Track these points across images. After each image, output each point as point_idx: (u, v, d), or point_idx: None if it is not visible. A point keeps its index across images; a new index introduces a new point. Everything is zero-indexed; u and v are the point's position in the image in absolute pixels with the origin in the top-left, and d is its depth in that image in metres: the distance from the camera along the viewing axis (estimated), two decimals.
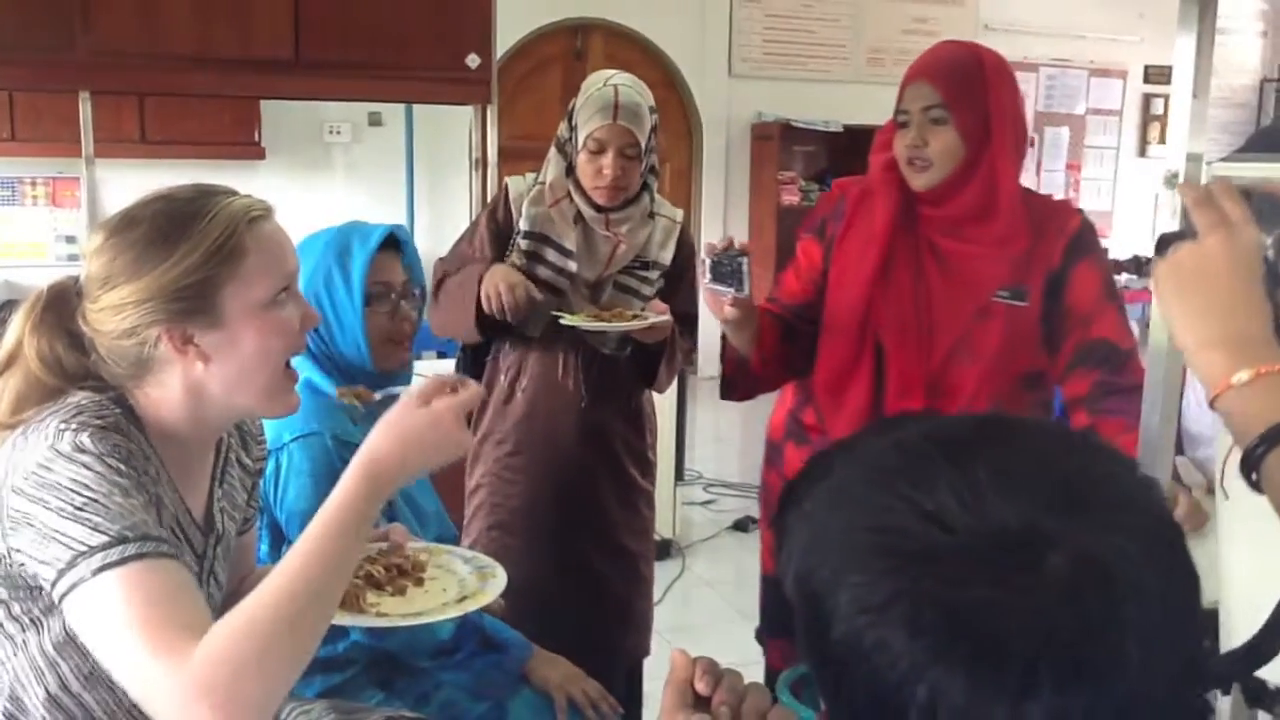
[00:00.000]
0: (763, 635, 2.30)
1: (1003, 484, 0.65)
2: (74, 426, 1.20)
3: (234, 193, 1.33)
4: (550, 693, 1.87)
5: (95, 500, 1.14)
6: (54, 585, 1.13)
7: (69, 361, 1.29)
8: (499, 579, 1.52)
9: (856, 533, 0.67)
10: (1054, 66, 8.53)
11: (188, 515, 1.36)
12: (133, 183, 5.78)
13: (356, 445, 1.71)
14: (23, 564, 1.17)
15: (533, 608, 2.23)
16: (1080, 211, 2.02)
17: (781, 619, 0.71)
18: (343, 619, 1.35)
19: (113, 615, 1.10)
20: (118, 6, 3.48)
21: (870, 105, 7.76)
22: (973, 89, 1.86)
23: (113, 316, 1.26)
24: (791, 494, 0.74)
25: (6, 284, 5.39)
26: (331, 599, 1.17)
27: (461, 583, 1.52)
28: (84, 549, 1.12)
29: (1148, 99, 8.91)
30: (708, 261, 1.96)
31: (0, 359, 1.31)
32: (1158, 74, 8.68)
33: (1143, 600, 0.62)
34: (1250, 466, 0.89)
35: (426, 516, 1.96)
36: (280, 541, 1.73)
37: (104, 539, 1.12)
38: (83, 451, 1.17)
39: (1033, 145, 8.12)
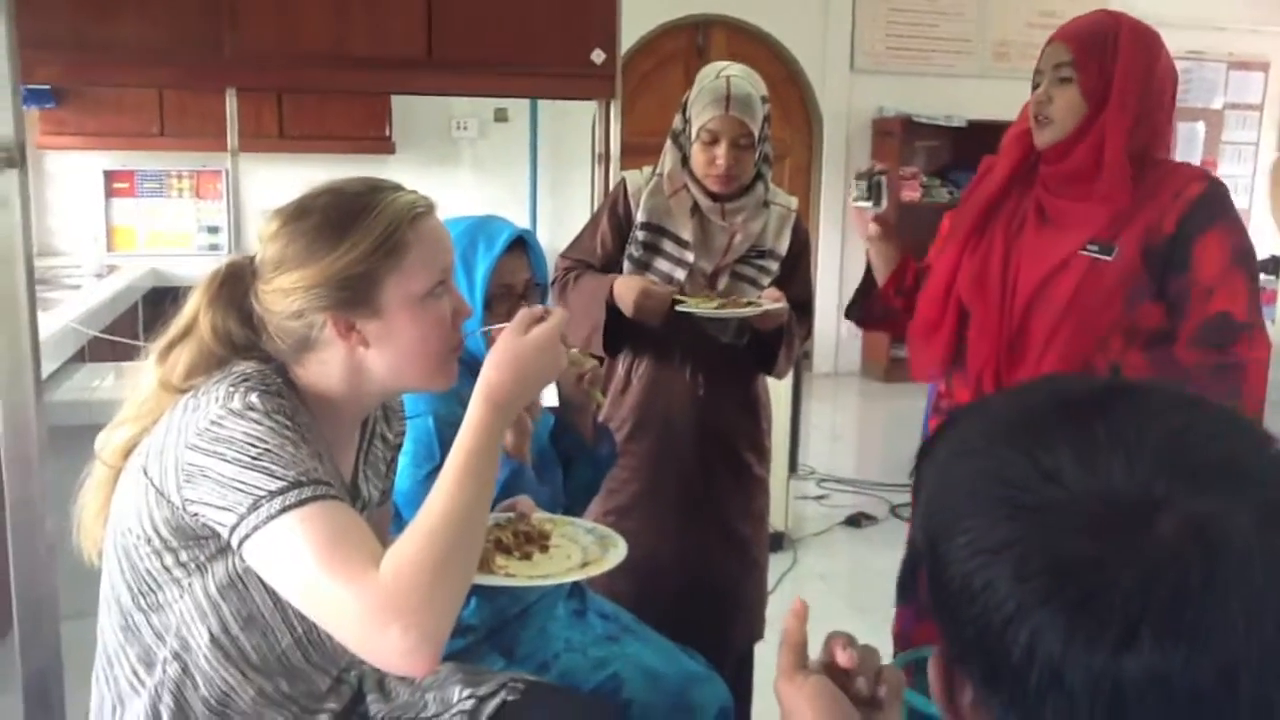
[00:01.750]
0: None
1: (1119, 446, 0.67)
2: (242, 389, 1.29)
3: (400, 188, 1.42)
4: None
5: (270, 450, 1.23)
6: (234, 530, 1.21)
7: (238, 336, 1.40)
8: (620, 548, 1.59)
9: (978, 481, 0.70)
10: (1189, 59, 8.24)
11: (340, 481, 1.45)
12: (271, 176, 6.04)
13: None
14: (197, 513, 1.26)
15: (646, 590, 2.30)
16: (1208, 176, 1.98)
17: (907, 585, 0.75)
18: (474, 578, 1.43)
19: (299, 552, 1.19)
20: (261, 9, 3.65)
21: (995, 100, 7.63)
22: (1102, 51, 1.91)
23: (283, 299, 1.36)
24: (926, 448, 0.77)
25: (154, 271, 5.66)
26: (483, 515, 1.27)
27: (584, 550, 1.59)
28: (264, 493, 1.21)
29: None
30: (852, 182, 2.20)
31: (177, 328, 1.41)
32: None
33: (1250, 568, 0.63)
34: None
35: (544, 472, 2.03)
36: (396, 515, 1.81)
37: (282, 484, 1.21)
38: (252, 409, 1.26)
39: None
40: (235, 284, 1.41)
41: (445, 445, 1.76)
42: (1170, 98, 1.98)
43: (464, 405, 1.86)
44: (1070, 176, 1.96)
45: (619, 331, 2.39)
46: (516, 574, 1.50)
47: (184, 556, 1.32)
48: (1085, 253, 1.91)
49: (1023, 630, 0.64)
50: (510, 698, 1.60)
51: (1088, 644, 0.63)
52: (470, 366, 1.91)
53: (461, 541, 1.22)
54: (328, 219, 1.36)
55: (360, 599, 1.15)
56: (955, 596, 0.68)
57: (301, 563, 1.19)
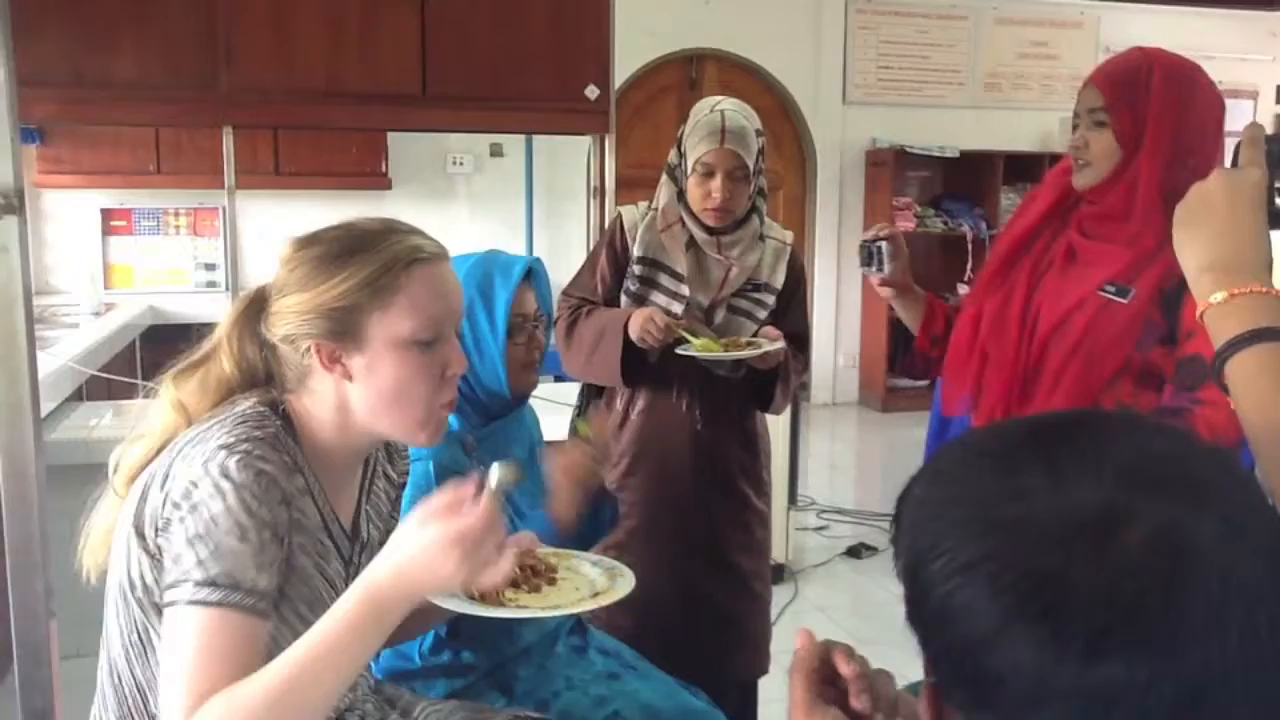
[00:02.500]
0: None
1: (1083, 464, 0.69)
2: (230, 447, 1.29)
3: (416, 233, 1.43)
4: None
5: (211, 535, 1.25)
6: (162, 590, 1.27)
7: (254, 360, 1.42)
8: (628, 578, 1.57)
9: (951, 505, 0.72)
10: None
11: (336, 523, 1.45)
12: (268, 212, 6.07)
13: (460, 474, 1.80)
14: (160, 556, 1.30)
15: (647, 625, 2.28)
16: None
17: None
18: (484, 612, 1.41)
19: (179, 643, 1.24)
20: (257, 46, 3.68)
21: (987, 130, 7.70)
22: (1134, 95, 1.90)
23: (280, 322, 1.38)
24: (907, 486, 0.78)
25: (151, 309, 5.68)
26: (324, 706, 1.23)
27: (592, 582, 1.58)
28: (184, 578, 1.24)
29: None
30: (858, 247, 2.20)
31: (200, 352, 1.44)
32: None
33: (1211, 577, 0.64)
34: (1217, 374, 1.01)
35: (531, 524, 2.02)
36: None
37: (201, 575, 1.24)
38: (226, 478, 1.26)
39: None
40: (255, 309, 1.43)
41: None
42: (1215, 131, 1.97)
43: (465, 451, 1.87)
44: (1103, 218, 1.97)
45: (636, 364, 2.39)
46: (529, 605, 1.48)
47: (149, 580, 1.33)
48: (1102, 294, 1.91)
49: (999, 646, 0.65)
50: None
51: (1059, 656, 0.64)
52: (485, 405, 1.92)
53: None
54: (330, 250, 1.39)
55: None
56: (936, 619, 0.70)
57: (176, 653, 1.24)
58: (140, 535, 1.32)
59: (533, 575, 1.53)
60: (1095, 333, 1.89)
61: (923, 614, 0.71)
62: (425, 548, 1.19)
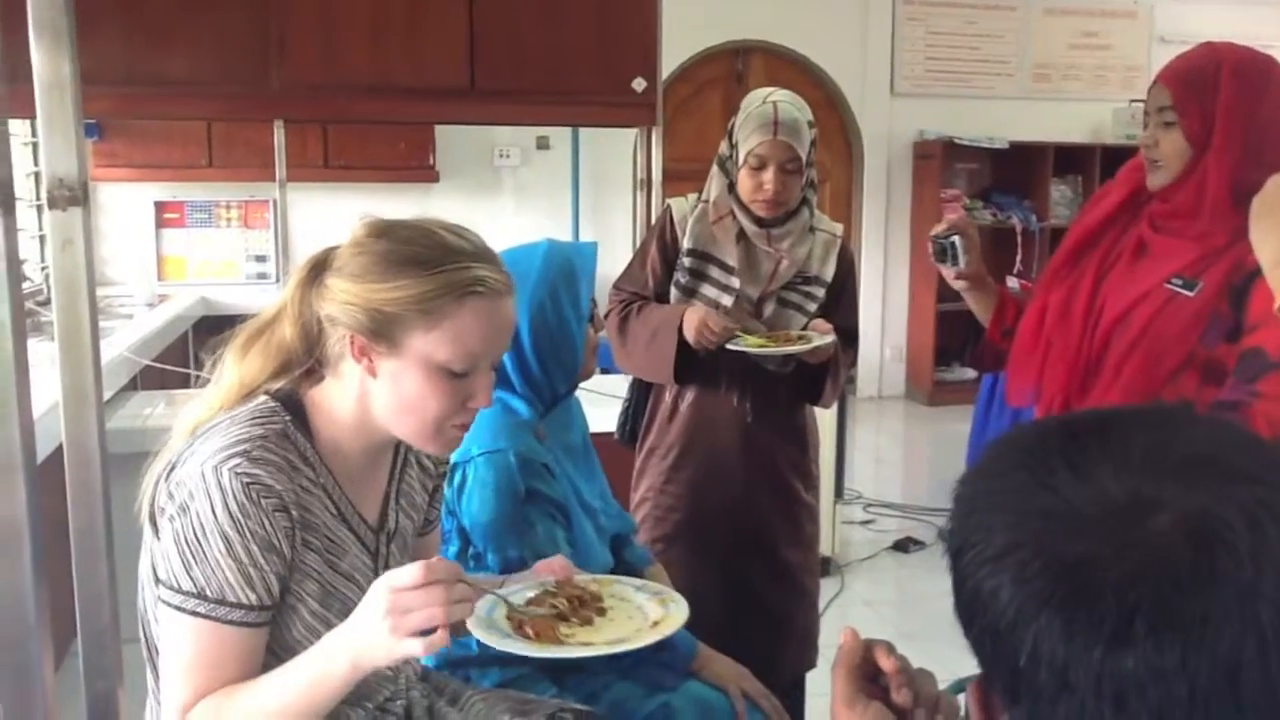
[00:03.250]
0: None
1: (1109, 455, 0.70)
2: (227, 451, 1.31)
3: (489, 263, 1.40)
4: (725, 688, 1.92)
5: (199, 543, 1.29)
6: (157, 584, 1.32)
7: (310, 326, 1.41)
8: (681, 603, 1.52)
9: (985, 499, 0.73)
10: None
11: (356, 516, 1.45)
12: (317, 205, 6.12)
13: (540, 463, 1.81)
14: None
15: (695, 619, 2.28)
16: None
17: None
18: (547, 652, 1.38)
19: (173, 647, 1.32)
20: (308, 42, 3.71)
21: (1036, 121, 7.61)
22: (1202, 92, 1.87)
23: (329, 299, 1.38)
24: (957, 485, 0.79)
25: (203, 300, 5.75)
26: None
27: (642, 609, 1.52)
28: (173, 583, 1.30)
29: None
30: (929, 242, 2.19)
31: (264, 317, 1.45)
32: None
33: (1241, 561, 0.63)
34: None
35: (599, 518, 2.03)
36: (468, 546, 1.83)
37: (190, 585, 1.29)
38: (219, 486, 1.28)
39: None
40: (316, 274, 1.42)
41: (528, 476, 1.79)
42: (1270, 128, 1.94)
43: (538, 439, 1.88)
44: (1173, 215, 1.95)
45: (687, 362, 2.38)
46: (590, 641, 1.42)
47: None
48: (1169, 286, 1.89)
49: (1027, 634, 0.66)
50: None
51: (1086, 642, 0.64)
52: (553, 393, 1.94)
53: None
54: (395, 253, 1.37)
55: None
56: (970, 609, 0.71)
57: (170, 654, 1.32)
58: (152, 521, 1.35)
59: (580, 606, 1.49)
60: (1159, 325, 1.87)
61: (960, 601, 0.73)
62: (363, 609, 1.23)
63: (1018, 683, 0.68)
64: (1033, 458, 0.73)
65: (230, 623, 1.29)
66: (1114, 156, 6.75)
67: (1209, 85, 1.87)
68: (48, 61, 1.15)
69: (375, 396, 1.40)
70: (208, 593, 1.28)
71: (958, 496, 0.77)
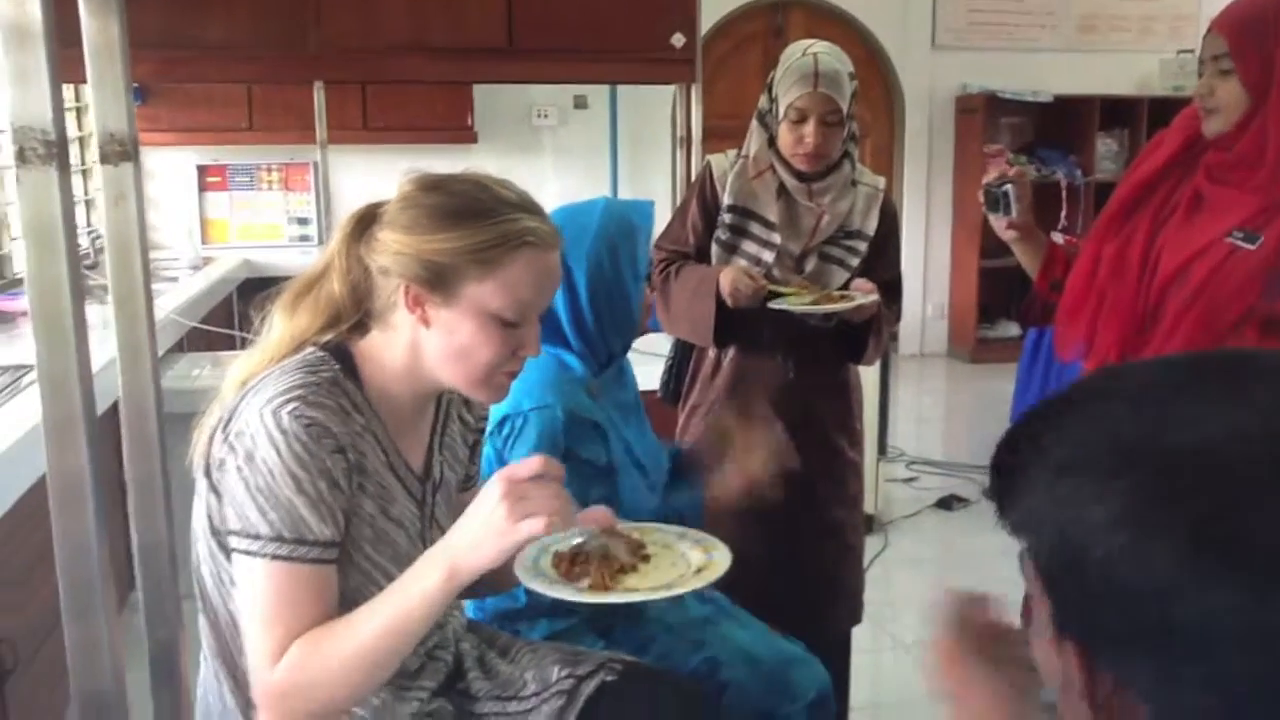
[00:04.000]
0: None
1: (1252, 393, 0.65)
2: (283, 395, 1.34)
3: (537, 215, 1.43)
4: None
5: (270, 487, 1.31)
6: (228, 534, 1.34)
7: (358, 280, 1.44)
8: (722, 550, 1.53)
9: (1099, 453, 0.67)
10: None
11: (404, 465, 1.48)
12: (357, 167, 6.13)
13: (590, 420, 1.82)
14: (221, 494, 1.36)
15: (741, 576, 2.28)
16: None
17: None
18: (598, 598, 1.40)
19: (255, 595, 1.33)
20: (345, 3, 3.72)
21: (1082, 74, 7.47)
22: (1260, 38, 1.83)
23: (381, 251, 1.40)
24: (1019, 439, 0.73)
25: (247, 263, 5.80)
26: (391, 665, 1.34)
27: (685, 556, 1.53)
28: (250, 530, 1.31)
29: None
30: (981, 192, 2.18)
31: (313, 272, 1.47)
32: None
33: None
34: None
35: (651, 474, 2.04)
36: None
37: (267, 530, 1.30)
38: (280, 430, 1.31)
39: None
40: (363, 228, 1.44)
41: (571, 437, 1.79)
42: None
43: (591, 396, 1.89)
44: (1232, 166, 1.91)
45: (726, 324, 2.38)
46: (637, 587, 1.44)
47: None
48: (1229, 240, 1.86)
49: (1183, 593, 0.61)
50: (608, 678, 1.61)
51: (1254, 594, 0.60)
52: (608, 351, 1.95)
53: (356, 685, 1.33)
54: (448, 205, 1.40)
55: (260, 670, 1.32)
56: (1097, 575, 0.65)
57: (253, 605, 1.34)
58: (208, 475, 1.37)
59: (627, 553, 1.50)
60: (1218, 280, 1.84)
61: (1076, 570, 0.66)
62: (480, 504, 1.28)
63: (1150, 644, 0.63)
64: (1144, 403, 0.67)
65: (308, 561, 1.31)
66: (1162, 109, 6.62)
67: (1268, 31, 1.82)
68: (97, 24, 1.17)
69: (427, 346, 1.42)
70: (285, 534, 1.30)
71: (1044, 453, 0.70)
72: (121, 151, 1.16)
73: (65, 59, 0.94)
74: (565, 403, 1.83)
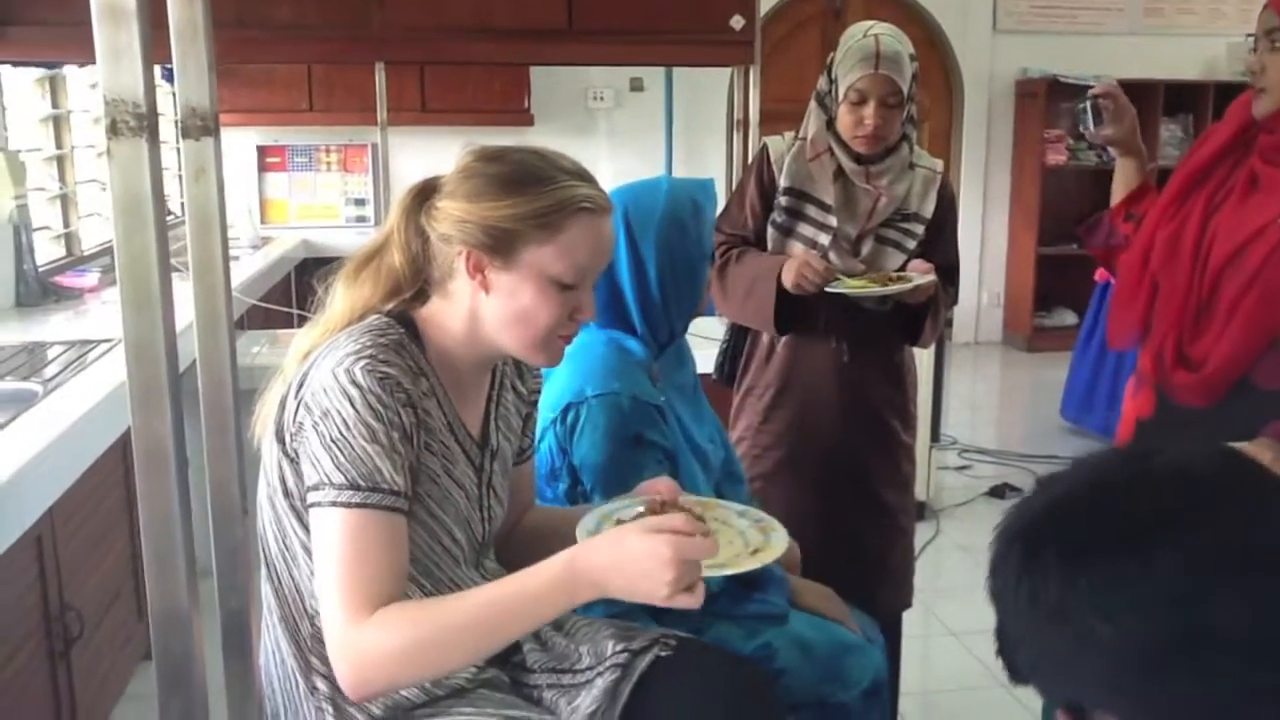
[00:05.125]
0: None
1: None
2: (356, 353, 1.37)
3: (592, 183, 1.48)
4: (826, 615, 1.98)
5: (345, 438, 1.33)
6: (306, 490, 1.36)
7: (417, 251, 1.49)
8: (781, 533, 1.53)
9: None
10: None
11: (463, 429, 1.52)
12: (415, 148, 6.19)
13: (654, 405, 1.83)
14: (298, 460, 1.39)
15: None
16: None
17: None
18: None
19: (330, 546, 1.33)
20: None
21: (1147, 58, 7.34)
22: None
23: (443, 220, 1.45)
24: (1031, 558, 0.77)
25: (305, 243, 5.89)
26: (484, 655, 1.37)
27: (743, 535, 1.54)
28: (325, 481, 1.33)
29: None
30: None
31: (372, 245, 1.52)
32: None
33: None
34: None
35: (708, 458, 2.05)
36: (577, 484, 1.85)
37: (341, 479, 1.32)
38: (354, 384, 1.35)
39: None
40: (421, 200, 1.49)
41: (640, 421, 1.80)
42: None
43: (652, 380, 1.89)
44: None
45: (789, 309, 2.38)
46: None
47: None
48: None
49: None
50: (663, 653, 1.63)
51: None
52: (670, 332, 1.95)
53: (445, 664, 1.34)
54: (509, 174, 1.44)
55: (341, 627, 1.31)
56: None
57: (328, 556, 1.34)
58: (280, 441, 1.41)
59: None
60: (1276, 262, 1.81)
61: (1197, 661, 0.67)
62: (647, 558, 1.26)
63: None
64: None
65: (384, 508, 1.34)
66: (1227, 94, 6.46)
67: None
68: (183, 6, 1.22)
69: (486, 311, 1.47)
70: (360, 482, 1.33)
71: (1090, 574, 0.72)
72: (203, 126, 1.20)
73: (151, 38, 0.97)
74: (630, 388, 1.83)
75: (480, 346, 1.51)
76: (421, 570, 1.47)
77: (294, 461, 1.40)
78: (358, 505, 1.33)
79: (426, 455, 1.45)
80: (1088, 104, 2.13)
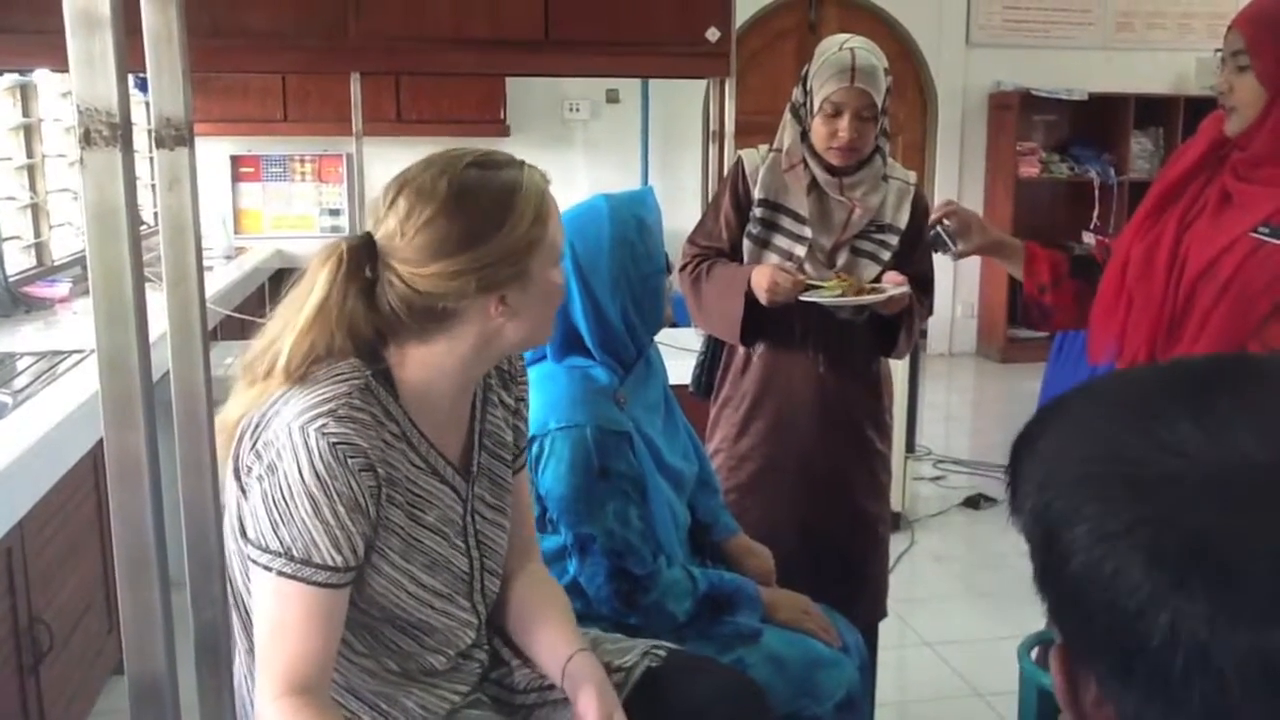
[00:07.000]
0: None
1: (1246, 415, 0.63)
2: (313, 410, 1.33)
3: (525, 164, 1.48)
4: (800, 628, 1.99)
5: (286, 504, 1.32)
6: (248, 542, 1.36)
7: (359, 316, 1.41)
8: None
9: (1094, 464, 0.65)
10: None
11: (442, 460, 1.48)
12: (390, 158, 6.16)
13: (622, 433, 1.82)
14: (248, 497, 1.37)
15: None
16: None
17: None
18: None
19: (261, 607, 1.36)
20: None
21: (1118, 72, 7.42)
22: (1275, 34, 1.84)
23: (447, 281, 1.39)
24: (1025, 437, 0.72)
25: (279, 253, 5.86)
26: None
27: None
28: (261, 541, 1.33)
29: None
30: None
31: (311, 310, 1.40)
32: None
33: None
34: None
35: (681, 477, 2.05)
36: (545, 513, 1.85)
37: (277, 545, 1.32)
38: (306, 447, 1.31)
39: None
40: (359, 264, 1.41)
41: (604, 453, 1.80)
42: None
43: (619, 406, 1.89)
44: (1256, 162, 1.91)
45: (755, 321, 2.39)
46: None
47: None
48: (1255, 235, 1.86)
49: (1161, 614, 0.60)
50: (653, 664, 1.63)
51: (1232, 621, 0.58)
52: (635, 350, 1.92)
53: None
54: (490, 201, 1.41)
55: (259, 691, 1.35)
56: (1080, 589, 0.64)
57: (259, 615, 1.37)
58: (237, 476, 1.38)
59: None
60: (1246, 275, 1.84)
61: (1062, 579, 0.65)
62: None
63: (1136, 663, 0.61)
64: (1141, 414, 0.65)
65: (315, 584, 1.32)
66: (1197, 108, 6.56)
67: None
68: (157, 14, 1.21)
69: (508, 332, 1.46)
70: (294, 553, 1.32)
71: (1041, 454, 0.69)
72: (177, 136, 1.19)
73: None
74: (594, 418, 1.82)
75: (484, 364, 1.50)
76: (385, 615, 1.45)
77: (247, 499, 1.37)
78: (289, 576, 1.32)
79: (390, 509, 1.41)
80: (938, 230, 2.17)
